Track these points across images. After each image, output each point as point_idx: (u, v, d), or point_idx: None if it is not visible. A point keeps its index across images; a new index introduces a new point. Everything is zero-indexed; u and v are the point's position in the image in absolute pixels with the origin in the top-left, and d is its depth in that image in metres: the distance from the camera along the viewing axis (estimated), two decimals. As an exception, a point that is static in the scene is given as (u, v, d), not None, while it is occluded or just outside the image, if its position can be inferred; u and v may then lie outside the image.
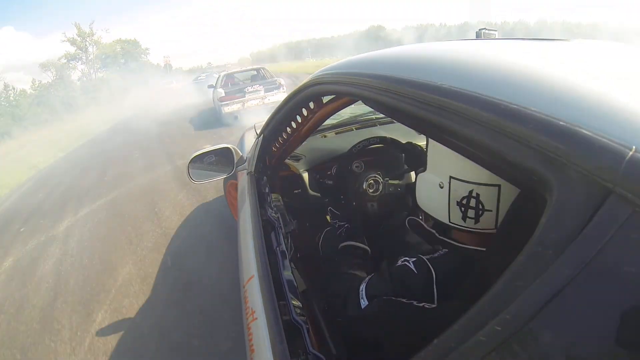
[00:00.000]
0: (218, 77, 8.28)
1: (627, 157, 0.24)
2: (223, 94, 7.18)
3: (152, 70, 43.83)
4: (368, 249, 0.86)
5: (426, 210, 0.65)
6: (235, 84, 7.93)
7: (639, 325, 0.23)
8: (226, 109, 7.04)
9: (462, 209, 0.57)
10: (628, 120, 0.28)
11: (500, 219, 0.55)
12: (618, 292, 0.24)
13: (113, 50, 39.96)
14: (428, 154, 0.65)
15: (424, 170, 0.65)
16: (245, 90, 7.11)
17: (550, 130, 0.30)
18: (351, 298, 0.65)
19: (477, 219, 0.56)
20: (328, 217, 1.01)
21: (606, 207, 0.25)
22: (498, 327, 0.28)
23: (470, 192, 0.55)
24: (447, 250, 0.60)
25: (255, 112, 6.67)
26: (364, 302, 0.62)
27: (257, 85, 7.25)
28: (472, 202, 0.55)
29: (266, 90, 7.15)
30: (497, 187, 0.53)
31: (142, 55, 46.88)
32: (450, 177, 0.57)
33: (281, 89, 7.24)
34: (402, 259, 0.61)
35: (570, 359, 0.26)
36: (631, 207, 0.24)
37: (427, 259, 0.59)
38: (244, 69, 9.60)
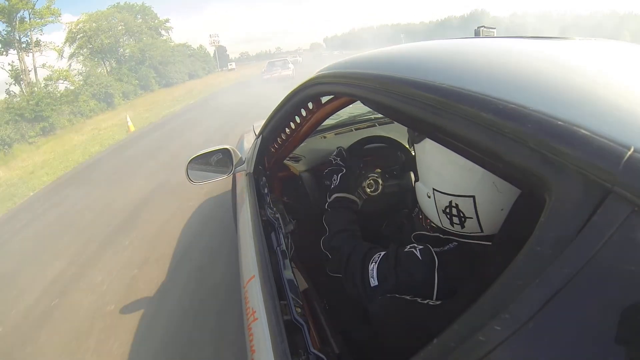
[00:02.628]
0: (267, 63, 18.89)
1: (626, 157, 0.25)
2: (264, 70, 17.45)
3: (183, 56, 28.96)
4: (357, 200, 0.89)
5: (426, 215, 0.69)
6: (271, 65, 17.34)
7: (638, 324, 0.24)
8: (264, 77, 16.63)
9: (448, 216, 0.61)
10: (627, 120, 0.28)
11: (483, 224, 0.58)
12: (617, 291, 0.24)
13: (108, 20, 23.96)
14: (417, 166, 0.69)
15: (417, 179, 0.70)
16: (273, 69, 16.75)
17: (549, 130, 0.30)
18: (357, 268, 0.67)
19: (462, 224, 0.60)
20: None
21: (605, 206, 0.25)
22: (498, 327, 0.28)
23: (450, 202, 0.60)
24: (456, 243, 0.63)
25: (277, 78, 15.78)
26: (373, 281, 0.64)
27: (279, 67, 16.71)
28: (454, 211, 0.60)
29: (282, 70, 16.45)
30: (472, 198, 0.57)
31: (162, 31, 29.25)
32: (434, 189, 0.62)
33: (289, 67, 16.67)
34: (411, 245, 0.64)
35: (570, 358, 0.26)
36: (630, 207, 0.24)
37: (434, 249, 0.61)
38: (277, 59, 19.28)
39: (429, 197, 0.64)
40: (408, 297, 0.60)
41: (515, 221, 0.50)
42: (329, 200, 0.89)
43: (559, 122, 0.29)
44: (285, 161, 1.40)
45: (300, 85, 0.92)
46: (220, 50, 46.34)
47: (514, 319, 0.27)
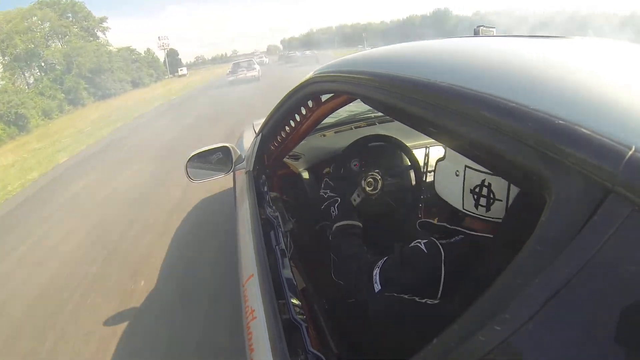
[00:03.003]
0: (231, 64, 18.83)
1: (627, 157, 0.24)
2: (229, 71, 17.42)
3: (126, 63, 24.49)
4: (360, 224, 0.88)
5: (443, 197, 0.68)
6: (236, 66, 17.37)
7: (638, 324, 0.23)
8: (229, 78, 16.73)
9: (475, 197, 0.60)
10: (627, 119, 0.28)
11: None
12: (617, 291, 0.24)
13: (27, 19, 19.10)
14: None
15: (443, 159, 0.68)
16: (238, 70, 16.78)
17: (550, 129, 0.30)
18: (364, 281, 0.66)
19: (488, 207, 0.59)
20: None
21: (605, 206, 0.25)
22: (497, 327, 0.28)
23: (483, 181, 0.58)
24: (462, 236, 0.62)
25: (241, 80, 16.07)
26: (377, 287, 0.63)
27: (244, 68, 16.75)
28: (484, 191, 0.58)
29: (247, 71, 16.66)
30: None
31: (99, 33, 25.04)
32: (466, 166, 0.60)
33: (255, 68, 16.79)
34: (416, 241, 0.63)
35: (570, 358, 0.26)
36: (630, 207, 0.24)
37: (440, 242, 0.61)
38: (243, 60, 19.04)
39: (457, 175, 0.62)
40: (406, 297, 0.60)
41: (517, 218, 0.50)
42: (332, 231, 0.88)
43: (560, 121, 0.29)
44: (284, 159, 1.40)
45: (300, 84, 0.92)
46: (172, 55, 43.36)
47: (514, 318, 0.27)
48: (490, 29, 0.79)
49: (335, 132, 1.62)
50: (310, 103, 0.99)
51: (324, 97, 1.00)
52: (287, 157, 1.39)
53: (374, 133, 1.22)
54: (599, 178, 0.26)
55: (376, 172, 1.11)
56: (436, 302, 0.57)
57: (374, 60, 0.66)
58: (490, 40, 0.62)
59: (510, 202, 0.56)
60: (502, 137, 0.33)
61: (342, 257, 0.79)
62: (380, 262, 0.66)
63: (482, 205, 0.59)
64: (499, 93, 0.36)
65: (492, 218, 0.59)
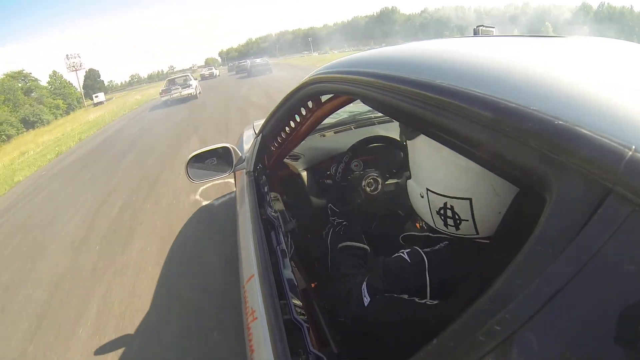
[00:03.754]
0: (166, 81, 16.47)
1: (627, 157, 0.24)
2: (162, 90, 14.87)
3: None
4: (367, 247, 0.86)
5: (418, 214, 0.68)
6: (170, 83, 15.19)
7: (638, 324, 0.24)
8: (162, 98, 14.42)
9: (442, 217, 0.59)
10: (628, 119, 0.28)
11: (479, 227, 0.56)
12: (617, 291, 0.24)
13: None
14: (409, 163, 0.67)
15: (410, 177, 0.67)
16: (172, 88, 14.36)
17: (550, 129, 0.30)
18: (354, 297, 0.66)
19: (456, 226, 0.58)
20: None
21: (606, 206, 0.25)
22: (498, 327, 0.28)
23: (445, 204, 0.57)
24: (447, 242, 0.61)
25: (177, 99, 13.95)
26: (366, 300, 0.63)
27: (179, 86, 14.48)
28: (449, 213, 0.58)
29: (182, 88, 14.31)
30: (468, 201, 0.55)
31: None
32: (427, 189, 0.60)
33: (191, 85, 14.52)
34: (399, 252, 0.63)
35: (571, 358, 0.26)
36: (630, 207, 0.24)
37: (423, 250, 0.60)
38: (178, 76, 16.91)
39: (422, 197, 0.62)
40: (406, 297, 0.60)
41: (514, 219, 0.50)
42: (335, 250, 0.89)
43: (560, 122, 0.29)
44: (284, 159, 1.40)
45: (300, 84, 0.92)
46: (92, 76, 34.37)
47: (514, 318, 0.27)
48: (490, 29, 0.79)
49: (334, 132, 1.62)
50: (310, 103, 0.99)
51: (323, 98, 1.00)
52: (287, 157, 1.40)
53: (373, 133, 1.22)
54: (599, 178, 0.26)
55: (376, 173, 1.11)
56: (436, 302, 0.57)
57: (373, 60, 0.66)
58: (490, 40, 0.62)
59: (476, 221, 0.56)
60: (503, 138, 0.33)
61: (338, 276, 0.78)
62: (366, 277, 0.66)
63: (450, 225, 0.59)
64: (500, 93, 0.36)
65: (464, 235, 0.58)
